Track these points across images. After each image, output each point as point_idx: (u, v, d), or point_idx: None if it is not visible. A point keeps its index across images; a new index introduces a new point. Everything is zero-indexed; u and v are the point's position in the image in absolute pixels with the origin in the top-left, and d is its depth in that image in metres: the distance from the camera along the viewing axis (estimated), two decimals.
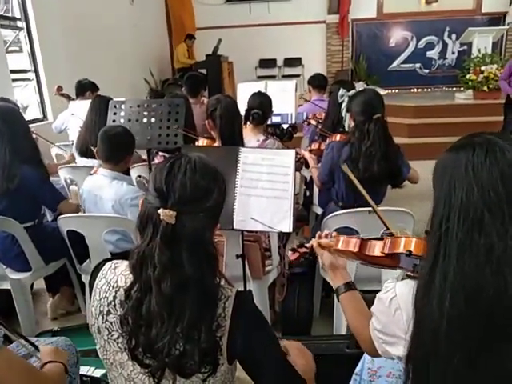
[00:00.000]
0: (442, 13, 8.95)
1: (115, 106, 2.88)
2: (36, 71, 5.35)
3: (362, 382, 1.42)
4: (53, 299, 2.79)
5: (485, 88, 6.62)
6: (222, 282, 1.04)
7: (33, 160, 2.43)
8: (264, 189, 1.93)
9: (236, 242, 2.04)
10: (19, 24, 5.22)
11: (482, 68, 6.62)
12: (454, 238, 0.84)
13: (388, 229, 1.42)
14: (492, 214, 0.82)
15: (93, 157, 2.71)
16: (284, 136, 3.70)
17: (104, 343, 1.06)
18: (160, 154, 3.19)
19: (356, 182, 1.55)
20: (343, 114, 2.79)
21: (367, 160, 2.29)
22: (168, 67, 9.28)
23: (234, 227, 1.92)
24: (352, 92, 2.69)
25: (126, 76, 7.10)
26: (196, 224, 0.97)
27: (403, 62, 9.40)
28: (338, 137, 2.61)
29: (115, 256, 2.18)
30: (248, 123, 2.92)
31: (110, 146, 2.33)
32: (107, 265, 1.09)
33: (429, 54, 9.30)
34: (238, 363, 1.08)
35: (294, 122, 3.82)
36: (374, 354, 1.12)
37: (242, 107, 2.88)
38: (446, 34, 9.14)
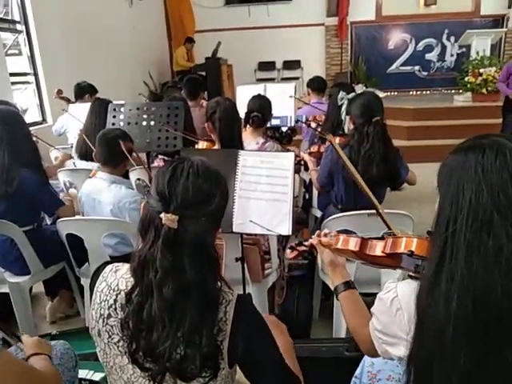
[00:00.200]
0: (441, 15, 8.98)
1: (115, 109, 2.88)
2: (35, 74, 5.35)
3: None
4: (52, 303, 2.79)
5: (483, 90, 6.64)
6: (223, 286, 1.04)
7: (33, 164, 2.43)
8: (263, 192, 1.93)
9: (235, 245, 2.04)
10: (19, 27, 5.23)
11: (481, 70, 6.64)
12: (462, 239, 0.84)
13: (390, 229, 1.42)
14: (501, 215, 0.82)
15: (92, 160, 2.71)
16: (283, 139, 3.71)
17: (104, 346, 1.06)
18: (159, 156, 3.19)
19: (360, 180, 1.55)
20: (343, 117, 2.79)
21: (366, 162, 2.29)
22: (167, 70, 9.30)
23: (233, 230, 1.92)
24: (352, 95, 2.70)
25: (126, 79, 7.11)
26: (198, 228, 0.97)
27: (402, 65, 9.42)
28: (337, 139, 2.61)
29: (114, 259, 2.17)
30: (248, 126, 2.92)
31: (108, 149, 2.33)
32: (108, 268, 1.09)
33: (427, 56, 9.32)
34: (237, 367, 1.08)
35: (293, 124, 3.82)
36: (373, 354, 1.12)
37: (242, 110, 2.88)
38: (444, 36, 9.16)
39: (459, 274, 0.83)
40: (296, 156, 2.13)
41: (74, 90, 4.47)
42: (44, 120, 5.45)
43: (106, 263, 1.12)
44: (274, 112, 3.14)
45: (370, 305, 1.12)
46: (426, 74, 9.41)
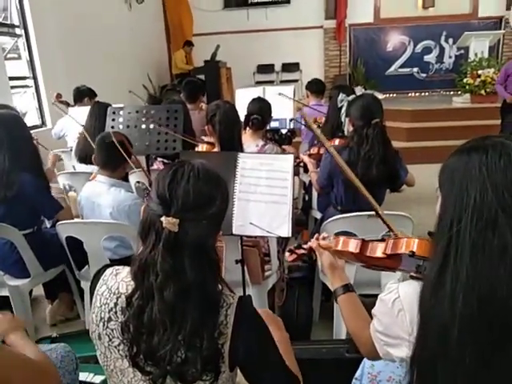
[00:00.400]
0: (439, 17, 9.00)
1: (114, 113, 2.88)
2: (34, 78, 5.37)
3: None
4: (51, 305, 2.79)
5: (482, 92, 6.65)
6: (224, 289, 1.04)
7: (33, 167, 2.42)
8: (263, 194, 1.93)
9: (235, 247, 2.04)
10: (18, 31, 5.25)
11: (479, 72, 6.65)
12: (467, 238, 0.84)
13: (391, 230, 1.42)
14: (506, 214, 0.82)
15: (92, 163, 2.71)
16: (283, 141, 3.71)
17: (104, 350, 1.05)
18: (158, 159, 3.19)
19: (359, 184, 1.55)
20: (342, 119, 2.80)
21: (366, 164, 2.29)
22: (166, 73, 9.30)
23: (233, 232, 1.92)
24: (352, 97, 2.71)
25: (125, 82, 7.10)
26: (199, 231, 0.96)
27: (401, 67, 9.43)
28: (336, 141, 2.62)
29: (114, 262, 2.18)
30: (247, 128, 2.93)
31: (107, 152, 2.33)
32: (108, 271, 1.09)
33: (426, 58, 9.34)
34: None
35: (292, 126, 3.82)
36: (373, 356, 1.11)
37: (241, 113, 2.88)
38: (442, 38, 9.18)
39: (464, 273, 0.83)
40: (296, 158, 2.14)
41: (74, 94, 4.48)
42: (43, 123, 5.46)
43: (106, 266, 1.12)
44: (273, 114, 3.15)
45: (370, 306, 1.12)
46: (424, 75, 9.42)
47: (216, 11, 9.21)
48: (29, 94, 5.43)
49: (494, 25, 8.93)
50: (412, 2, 9.14)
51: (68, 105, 4.52)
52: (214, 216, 1.00)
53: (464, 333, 0.83)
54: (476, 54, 7.02)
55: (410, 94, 9.19)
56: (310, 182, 3.13)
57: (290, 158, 1.99)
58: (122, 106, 3.07)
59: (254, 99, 3.05)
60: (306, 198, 3.74)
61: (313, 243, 1.42)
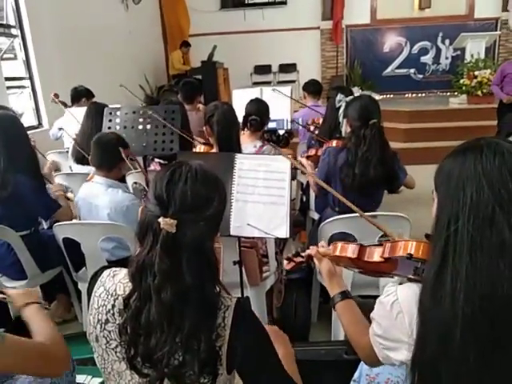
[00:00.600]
0: (435, 18, 9.03)
1: (110, 113, 2.88)
2: (31, 78, 5.34)
3: None
4: (49, 307, 2.77)
5: (478, 93, 6.68)
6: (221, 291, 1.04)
7: (29, 168, 2.42)
8: (260, 195, 1.93)
9: (233, 248, 2.04)
10: (14, 31, 5.22)
11: (476, 73, 6.68)
12: (465, 236, 0.84)
13: (385, 234, 1.42)
14: (503, 210, 0.83)
15: (89, 164, 2.71)
16: (280, 142, 3.71)
17: (102, 352, 1.05)
18: (155, 160, 3.19)
19: (356, 208, 1.55)
20: (340, 120, 2.79)
21: (363, 165, 2.29)
22: (163, 74, 9.29)
23: (231, 233, 1.92)
24: (350, 98, 2.71)
25: (122, 82, 7.07)
26: (197, 232, 0.96)
27: (397, 68, 9.45)
28: (334, 142, 2.62)
29: (111, 264, 2.17)
30: (246, 129, 2.93)
31: (102, 152, 2.33)
32: (105, 272, 1.08)
33: (423, 59, 9.37)
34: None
35: (289, 127, 3.83)
36: (372, 361, 1.11)
37: (238, 113, 2.88)
38: (439, 39, 9.20)
39: (464, 271, 0.84)
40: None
41: (71, 94, 4.46)
42: (40, 124, 5.44)
43: (104, 268, 1.11)
44: (271, 115, 3.15)
45: (368, 307, 1.12)
46: (421, 76, 9.45)
47: (213, 12, 9.21)
48: (25, 94, 5.41)
49: (490, 26, 8.97)
50: (408, 3, 9.18)
51: (65, 105, 4.51)
52: (212, 217, 1.00)
53: (466, 332, 0.83)
54: (472, 55, 7.05)
55: (406, 95, 9.21)
56: (308, 182, 3.13)
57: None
58: (118, 106, 3.06)
59: (252, 100, 3.05)
60: (304, 198, 3.75)
61: (311, 250, 1.41)
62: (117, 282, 1.05)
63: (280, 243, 2.58)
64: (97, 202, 2.30)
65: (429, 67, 9.39)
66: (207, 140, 2.63)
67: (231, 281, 2.03)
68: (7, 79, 4.91)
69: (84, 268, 2.44)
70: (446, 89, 8.57)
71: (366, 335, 1.10)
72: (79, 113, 3.50)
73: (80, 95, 4.42)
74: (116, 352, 1.02)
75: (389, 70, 9.46)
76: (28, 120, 5.30)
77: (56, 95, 4.52)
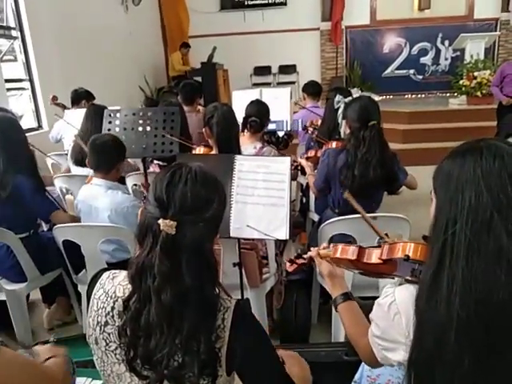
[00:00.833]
0: (435, 19, 9.04)
1: (110, 115, 2.88)
2: (31, 80, 5.35)
3: None
4: (49, 310, 2.77)
5: (478, 93, 6.68)
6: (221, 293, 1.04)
7: (28, 170, 2.42)
8: (260, 196, 1.93)
9: (232, 250, 2.03)
10: (14, 33, 5.23)
11: (475, 74, 6.68)
12: (463, 240, 0.84)
13: (381, 237, 1.42)
14: (501, 215, 0.82)
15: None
16: (280, 144, 3.71)
17: (101, 354, 1.05)
18: (155, 162, 3.19)
19: (360, 209, 1.56)
20: (339, 121, 2.80)
21: (363, 166, 2.29)
22: (163, 75, 9.30)
23: (231, 235, 1.92)
24: (349, 99, 2.71)
25: (121, 84, 7.10)
26: (196, 234, 0.96)
27: (397, 69, 9.46)
28: (333, 144, 2.62)
29: (111, 266, 2.17)
30: (245, 131, 2.93)
31: (99, 154, 2.33)
32: (105, 275, 1.08)
33: (422, 60, 9.37)
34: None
35: (289, 129, 3.82)
36: (372, 362, 1.11)
37: (238, 115, 2.88)
38: (438, 40, 9.21)
39: (460, 275, 0.83)
40: (293, 161, 2.14)
41: (71, 96, 4.47)
42: (40, 126, 5.44)
43: (103, 270, 1.11)
44: (270, 116, 3.15)
45: (368, 308, 1.12)
46: (420, 77, 9.45)
47: (212, 13, 9.22)
48: (25, 96, 5.41)
49: (489, 26, 8.98)
50: (408, 4, 9.18)
51: (65, 107, 4.51)
52: (212, 219, 1.00)
53: (461, 335, 0.83)
54: (472, 56, 7.05)
55: (406, 96, 9.22)
56: (308, 184, 3.13)
57: (287, 160, 1.98)
58: (118, 108, 3.06)
59: (252, 101, 3.05)
60: (304, 200, 3.75)
61: (312, 252, 1.41)
62: (116, 284, 1.05)
63: (280, 245, 2.58)
64: (96, 204, 2.30)
65: (428, 68, 9.40)
66: (206, 142, 2.63)
67: (231, 282, 2.03)
68: (7, 81, 4.92)
69: (84, 270, 2.43)
70: (446, 90, 8.57)
71: (365, 336, 1.10)
72: (79, 115, 3.50)
73: (80, 97, 4.42)
74: (115, 354, 1.02)
75: (388, 70, 9.47)
76: (28, 122, 5.31)
77: (54, 98, 4.52)
